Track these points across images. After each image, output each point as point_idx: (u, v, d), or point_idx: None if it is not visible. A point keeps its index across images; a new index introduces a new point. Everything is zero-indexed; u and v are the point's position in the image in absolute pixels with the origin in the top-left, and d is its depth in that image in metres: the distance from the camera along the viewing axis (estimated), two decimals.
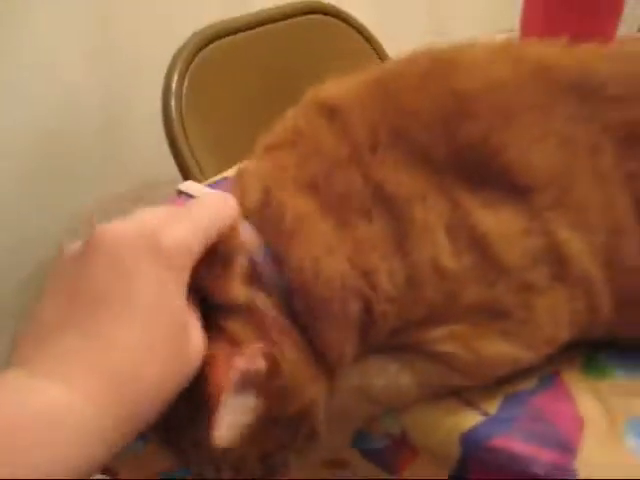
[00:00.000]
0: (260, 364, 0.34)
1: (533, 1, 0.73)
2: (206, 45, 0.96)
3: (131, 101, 1.13)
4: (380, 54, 1.16)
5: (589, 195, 0.39)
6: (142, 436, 0.56)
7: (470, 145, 0.39)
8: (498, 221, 0.38)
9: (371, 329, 0.38)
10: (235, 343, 0.34)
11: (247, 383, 0.33)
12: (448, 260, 0.37)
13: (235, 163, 0.93)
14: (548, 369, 0.42)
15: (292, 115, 0.46)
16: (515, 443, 0.38)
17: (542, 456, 0.37)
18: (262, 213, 0.39)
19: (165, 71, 0.92)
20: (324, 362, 0.38)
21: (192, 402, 0.34)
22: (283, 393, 0.35)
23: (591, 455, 0.37)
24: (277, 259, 0.37)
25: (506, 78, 0.40)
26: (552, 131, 0.39)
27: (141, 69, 1.11)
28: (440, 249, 0.37)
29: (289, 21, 1.07)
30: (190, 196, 0.64)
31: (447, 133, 0.39)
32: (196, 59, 0.94)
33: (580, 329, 0.40)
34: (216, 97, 0.97)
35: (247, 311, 0.35)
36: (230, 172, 0.68)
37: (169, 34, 0.98)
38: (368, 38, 1.16)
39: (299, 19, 1.09)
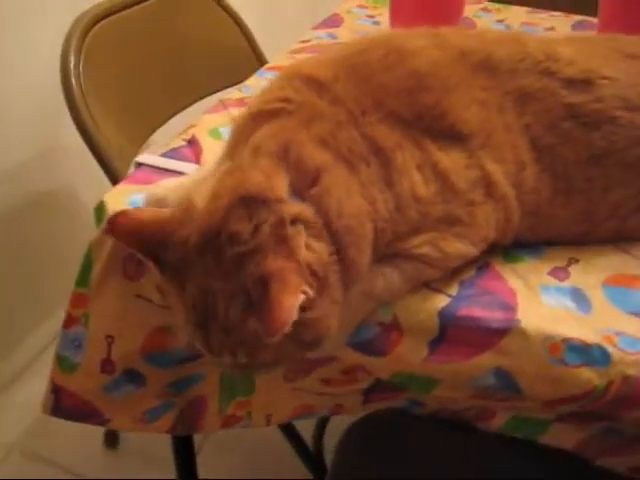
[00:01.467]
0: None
1: None
2: (94, 24, 1.03)
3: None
4: (241, 26, 1.30)
5: (502, 139, 0.58)
6: (134, 379, 0.68)
7: (427, 108, 0.56)
8: (450, 159, 0.56)
9: (376, 243, 0.54)
10: (297, 265, 0.48)
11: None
12: (421, 189, 0.54)
13: (137, 131, 1.03)
14: (482, 260, 0.61)
15: (278, 86, 0.60)
16: (475, 310, 0.56)
17: (495, 315, 0.56)
18: (287, 167, 0.52)
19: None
20: (347, 277, 0.53)
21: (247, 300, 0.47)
22: (310, 323, 0.49)
23: (524, 309, 0.56)
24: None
25: (442, 61, 0.58)
26: (474, 98, 0.58)
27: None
28: (415, 182, 0.54)
29: None
30: (150, 166, 0.74)
31: (411, 101, 0.56)
32: (87, 38, 1.01)
33: (501, 232, 0.60)
34: (110, 71, 1.05)
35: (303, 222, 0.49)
36: (176, 142, 0.78)
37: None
38: (232, 14, 1.28)
39: None
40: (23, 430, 1.37)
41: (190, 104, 1.17)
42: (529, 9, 1.33)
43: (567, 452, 0.64)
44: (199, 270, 0.50)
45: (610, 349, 0.54)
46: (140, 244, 0.52)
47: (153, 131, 1.10)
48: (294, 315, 0.45)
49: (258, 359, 0.51)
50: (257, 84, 0.92)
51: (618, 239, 0.65)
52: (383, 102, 0.55)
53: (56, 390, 0.72)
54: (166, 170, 0.71)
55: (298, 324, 0.47)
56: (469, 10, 1.28)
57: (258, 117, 0.58)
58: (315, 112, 0.55)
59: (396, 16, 0.94)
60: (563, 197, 0.61)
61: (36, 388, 0.88)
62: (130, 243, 0.53)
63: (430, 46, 0.60)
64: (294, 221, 0.49)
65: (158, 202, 0.63)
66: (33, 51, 1.30)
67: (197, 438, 0.90)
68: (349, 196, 0.51)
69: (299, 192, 0.51)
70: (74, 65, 0.97)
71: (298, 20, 1.40)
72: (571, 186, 0.61)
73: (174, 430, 0.76)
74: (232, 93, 0.90)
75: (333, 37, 1.11)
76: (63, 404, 0.72)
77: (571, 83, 0.61)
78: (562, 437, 0.64)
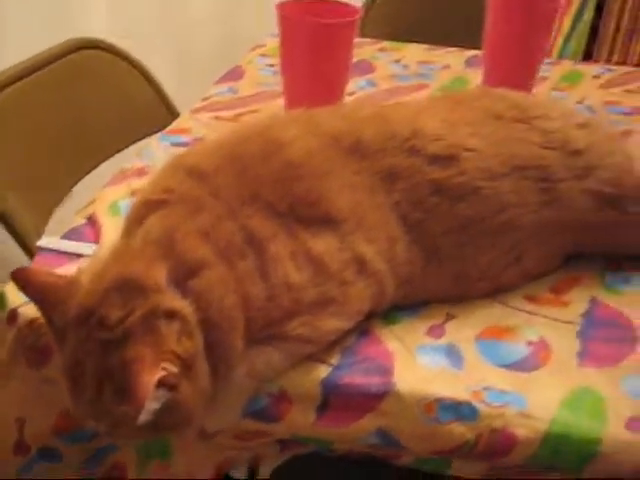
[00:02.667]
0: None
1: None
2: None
3: None
4: (148, 78, 1.34)
5: (373, 220, 0.64)
6: (50, 456, 0.70)
7: (300, 198, 0.62)
8: (324, 243, 0.62)
9: (248, 331, 0.59)
10: (160, 350, 0.53)
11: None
12: (293, 276, 0.60)
13: (43, 203, 1.06)
14: (362, 327, 0.67)
15: (163, 176, 0.65)
16: (355, 378, 0.62)
17: (373, 380, 0.62)
18: (168, 257, 0.57)
19: None
20: (220, 364, 0.57)
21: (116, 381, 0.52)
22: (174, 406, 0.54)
23: (400, 371, 0.63)
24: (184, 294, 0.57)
25: (315, 149, 0.64)
26: (345, 182, 0.64)
27: None
28: (287, 270, 0.60)
29: (65, 58, 1.20)
30: (52, 250, 0.77)
31: (285, 191, 0.61)
32: None
33: (375, 303, 0.66)
34: (14, 140, 1.08)
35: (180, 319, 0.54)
36: (77, 221, 0.82)
37: None
38: (137, 66, 1.32)
39: (72, 56, 1.22)
40: None
41: (96, 165, 1.21)
42: (426, 46, 1.41)
43: None
44: (74, 342, 0.55)
45: (478, 405, 0.60)
46: (38, 299, 0.58)
47: (64, 195, 1.14)
48: (152, 391, 0.50)
49: (121, 431, 0.56)
50: (157, 149, 0.97)
51: (494, 294, 0.73)
52: (260, 193, 0.61)
53: None
54: (68, 253, 0.75)
55: (163, 407, 0.52)
56: (367, 52, 1.36)
57: (147, 205, 0.63)
58: (197, 204, 0.60)
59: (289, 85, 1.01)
60: (435, 265, 0.68)
61: None
62: (31, 295, 0.58)
63: (303, 134, 0.66)
64: (170, 315, 0.55)
65: None
66: None
67: None
68: (225, 292, 0.57)
69: (178, 282, 0.56)
70: None
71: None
72: (441, 255, 0.68)
73: None
74: (132, 162, 0.94)
75: (234, 92, 1.16)
76: None
77: (436, 159, 0.68)
78: (468, 469, 0.70)
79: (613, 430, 0.59)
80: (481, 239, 0.69)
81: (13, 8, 1.49)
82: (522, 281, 0.74)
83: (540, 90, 1.23)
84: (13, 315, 0.68)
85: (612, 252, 0.78)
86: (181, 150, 0.73)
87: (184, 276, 0.57)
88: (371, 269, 0.63)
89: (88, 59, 1.24)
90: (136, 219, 0.63)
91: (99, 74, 1.26)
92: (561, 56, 2.08)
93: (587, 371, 0.64)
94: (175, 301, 0.55)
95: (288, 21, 0.93)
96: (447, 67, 1.31)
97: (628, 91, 1.26)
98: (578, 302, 0.73)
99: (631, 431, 0.59)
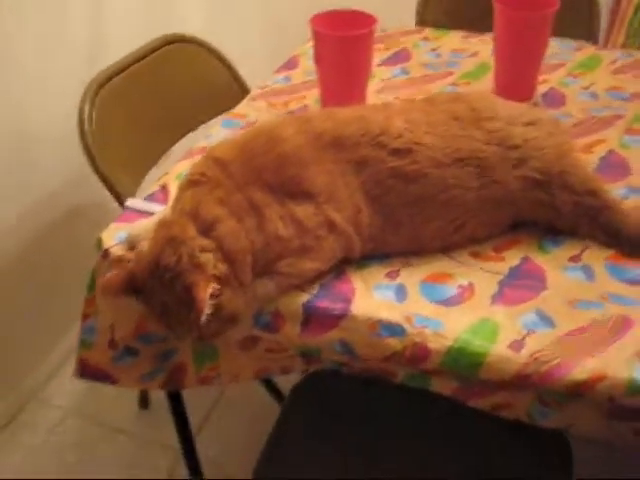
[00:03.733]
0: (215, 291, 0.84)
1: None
2: (105, 83, 1.40)
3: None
4: (225, 63, 1.65)
5: (342, 194, 0.93)
6: (132, 352, 1.06)
7: (288, 179, 0.91)
8: (303, 210, 0.91)
9: (254, 266, 0.90)
10: (206, 275, 0.85)
11: (210, 298, 0.84)
12: (282, 231, 0.90)
13: (140, 174, 1.40)
14: (340, 269, 0.96)
15: (199, 164, 0.96)
16: (326, 303, 0.92)
17: (338, 305, 0.91)
18: (195, 220, 0.89)
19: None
20: (242, 285, 0.89)
21: (184, 302, 0.84)
22: (223, 304, 0.86)
23: (357, 301, 0.92)
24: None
25: (303, 144, 0.93)
26: (324, 169, 0.92)
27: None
28: (278, 226, 0.90)
29: (159, 52, 1.53)
30: (137, 211, 1.12)
31: (277, 174, 0.91)
32: (98, 95, 1.38)
33: (347, 253, 0.95)
34: (118, 121, 1.43)
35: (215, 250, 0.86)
36: (154, 187, 1.16)
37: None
38: (215, 54, 1.64)
39: (165, 49, 1.55)
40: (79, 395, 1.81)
41: (186, 134, 1.55)
42: (464, 33, 1.64)
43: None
44: (154, 291, 0.88)
45: (406, 326, 0.89)
46: (120, 292, 0.90)
47: (155, 163, 1.48)
48: (207, 300, 0.81)
49: (205, 332, 0.87)
50: (220, 133, 1.28)
51: (445, 251, 1.00)
52: (260, 175, 0.91)
53: (81, 361, 1.11)
54: (144, 212, 1.09)
55: (216, 307, 0.84)
56: (410, 40, 1.61)
57: (188, 183, 0.95)
58: (217, 183, 0.91)
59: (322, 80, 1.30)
60: (392, 229, 0.96)
61: None
62: (116, 294, 0.91)
63: (295, 133, 0.95)
64: (203, 250, 0.86)
65: (134, 238, 1.01)
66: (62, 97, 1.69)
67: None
68: (237, 238, 0.88)
69: (205, 232, 0.88)
70: (87, 117, 1.34)
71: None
72: (397, 221, 0.96)
73: (165, 387, 1.14)
74: (200, 141, 1.26)
75: (288, 80, 1.46)
76: (86, 370, 1.11)
77: (396, 152, 0.95)
78: (442, 386, 0.97)
79: (498, 348, 0.86)
80: (428, 211, 0.96)
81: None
82: (467, 242, 1.00)
83: (555, 77, 1.45)
84: (106, 253, 1.02)
85: (545, 223, 1.03)
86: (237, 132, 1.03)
87: (206, 230, 0.88)
88: (339, 229, 0.92)
89: (176, 51, 1.57)
90: (181, 192, 0.96)
91: (186, 63, 1.58)
92: (628, 28, 2.21)
93: (494, 308, 0.91)
94: (205, 241, 0.87)
95: (316, 33, 1.22)
96: (475, 54, 1.54)
97: (636, 76, 1.45)
98: (512, 258, 0.99)
99: (512, 350, 0.85)
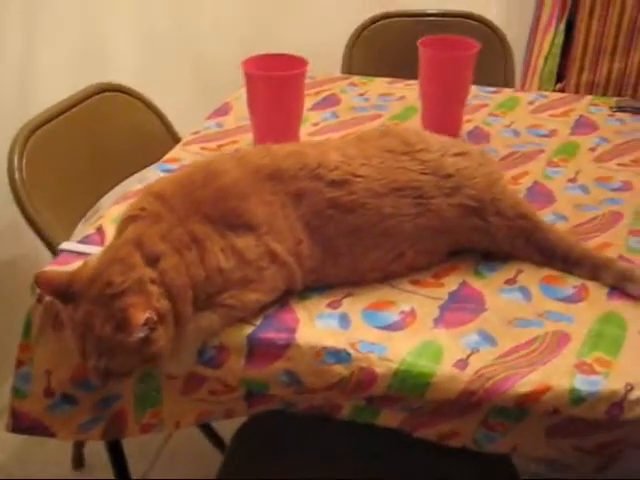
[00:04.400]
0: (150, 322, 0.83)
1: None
2: (35, 130, 1.39)
3: None
4: (156, 112, 1.66)
5: (282, 226, 0.94)
6: (69, 401, 1.03)
7: (228, 211, 0.92)
8: (244, 242, 0.92)
9: (195, 300, 0.89)
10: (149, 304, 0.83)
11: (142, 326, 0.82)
12: (223, 263, 0.90)
13: (72, 216, 1.38)
14: (283, 301, 0.97)
15: (139, 199, 0.96)
16: (270, 334, 0.92)
17: (282, 336, 0.91)
18: (141, 246, 0.88)
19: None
20: (179, 321, 0.88)
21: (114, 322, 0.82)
22: (151, 341, 0.84)
23: (301, 330, 0.92)
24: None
25: (241, 178, 0.94)
26: (263, 200, 0.94)
27: None
28: (219, 259, 0.90)
29: (89, 100, 1.53)
30: (72, 252, 1.09)
31: (217, 207, 0.92)
32: (29, 142, 1.37)
33: (288, 285, 0.96)
34: (49, 169, 1.41)
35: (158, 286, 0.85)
36: (90, 230, 1.14)
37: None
38: (147, 103, 1.65)
39: (96, 98, 1.55)
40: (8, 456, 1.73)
41: (118, 183, 1.54)
42: (389, 80, 1.70)
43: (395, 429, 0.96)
44: (86, 301, 0.85)
45: (352, 352, 0.89)
46: (53, 289, 0.89)
47: (88, 210, 1.46)
48: (141, 321, 0.80)
49: (115, 364, 0.85)
50: (156, 175, 1.28)
51: (385, 280, 1.02)
52: (200, 209, 0.91)
53: (14, 413, 1.06)
54: (80, 253, 1.07)
55: (144, 342, 0.83)
56: (338, 86, 1.66)
57: (128, 219, 0.94)
58: (158, 217, 0.91)
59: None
60: (332, 260, 0.98)
61: None
62: (47, 290, 0.90)
63: (234, 167, 0.96)
64: (152, 282, 0.85)
65: None
66: None
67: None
68: (179, 274, 0.87)
69: (150, 264, 0.87)
70: (17, 163, 1.31)
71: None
72: (337, 252, 0.97)
73: (104, 437, 1.10)
74: (134, 185, 1.26)
75: (220, 126, 1.47)
76: (20, 422, 1.06)
77: (333, 183, 0.97)
78: (389, 419, 0.97)
79: (444, 368, 0.87)
80: (367, 241, 0.98)
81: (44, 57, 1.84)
82: (407, 271, 1.02)
83: (479, 116, 1.52)
84: (40, 297, 1.00)
85: (482, 249, 1.06)
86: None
87: (151, 262, 0.87)
88: (281, 260, 0.93)
89: (108, 100, 1.57)
90: (121, 228, 0.95)
91: (116, 113, 1.59)
92: (541, 75, 2.35)
93: (437, 331, 0.93)
94: (153, 274, 0.86)
95: (248, 75, 1.24)
96: (402, 98, 1.60)
97: (553, 115, 1.53)
98: (451, 284, 1.02)
99: (457, 369, 0.87)
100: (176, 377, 0.99)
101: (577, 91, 2.23)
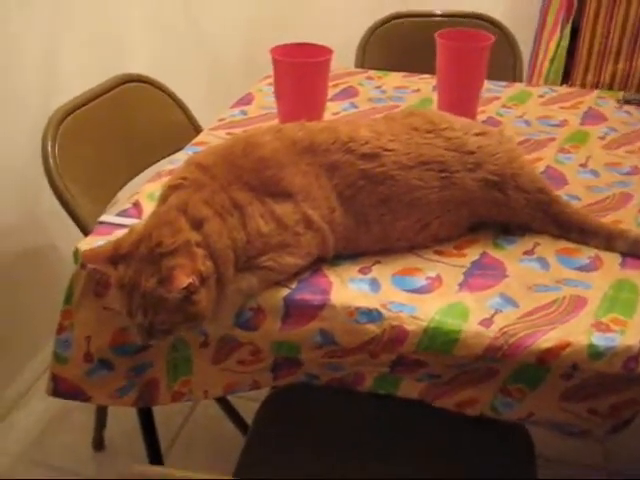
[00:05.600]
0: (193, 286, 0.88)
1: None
2: (64, 118, 1.45)
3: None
4: (179, 104, 1.73)
5: (318, 195, 1.00)
6: (106, 366, 1.09)
7: (267, 179, 0.98)
8: (282, 208, 0.98)
9: (236, 262, 0.95)
10: (194, 265, 0.89)
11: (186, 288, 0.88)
12: (263, 228, 0.96)
13: (101, 200, 1.44)
14: (316, 266, 1.03)
15: (181, 169, 1.02)
16: (306, 295, 0.98)
17: (316, 297, 0.97)
18: (185, 212, 0.94)
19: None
20: (220, 281, 0.94)
21: (160, 279, 0.88)
22: (194, 302, 0.90)
23: (335, 293, 0.98)
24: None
25: (279, 149, 1.01)
26: (299, 170, 1.00)
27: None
28: (259, 223, 0.96)
29: (115, 90, 1.60)
30: (111, 224, 1.16)
31: (257, 175, 0.98)
32: (60, 128, 1.43)
33: (321, 250, 1.02)
34: (79, 153, 1.47)
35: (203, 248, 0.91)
36: (127, 205, 1.20)
37: None
38: (170, 95, 1.72)
39: (121, 87, 1.62)
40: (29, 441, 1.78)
41: (143, 170, 1.60)
42: (404, 74, 1.77)
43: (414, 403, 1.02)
44: (135, 261, 0.91)
45: (383, 311, 0.95)
46: (100, 258, 0.94)
47: (114, 194, 1.52)
48: (184, 284, 0.86)
49: (158, 320, 0.91)
50: (184, 157, 1.34)
51: (412, 250, 1.08)
52: (242, 176, 0.98)
53: (54, 378, 1.12)
54: (118, 225, 1.13)
55: (186, 301, 0.88)
56: (355, 80, 1.73)
57: (170, 188, 1.01)
58: (201, 185, 0.97)
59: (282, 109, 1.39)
60: (364, 228, 1.04)
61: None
62: (95, 260, 0.95)
63: (272, 139, 1.02)
64: (198, 245, 0.91)
65: None
66: (16, 136, 1.74)
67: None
68: (221, 237, 0.93)
69: (195, 229, 0.93)
70: (51, 148, 1.38)
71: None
72: (368, 220, 1.04)
73: (137, 403, 1.16)
74: (166, 165, 1.32)
75: (244, 114, 1.54)
76: (59, 387, 1.12)
77: (364, 156, 1.04)
78: (409, 389, 1.04)
79: (469, 326, 0.93)
80: (396, 211, 1.05)
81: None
82: (432, 242, 1.09)
83: (492, 107, 1.59)
84: (84, 263, 1.06)
85: (502, 222, 1.13)
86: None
87: (195, 227, 0.93)
88: (315, 226, 0.99)
89: (133, 90, 1.64)
90: (163, 197, 1.01)
91: (140, 102, 1.65)
92: (547, 76, 2.42)
93: (462, 294, 0.99)
94: (198, 237, 0.92)
95: (276, 61, 1.31)
96: (417, 91, 1.67)
97: (562, 107, 1.60)
98: (472, 254, 1.08)
99: (483, 327, 0.93)
100: (210, 341, 1.04)
101: None
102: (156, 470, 0.67)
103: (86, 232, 1.31)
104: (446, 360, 0.96)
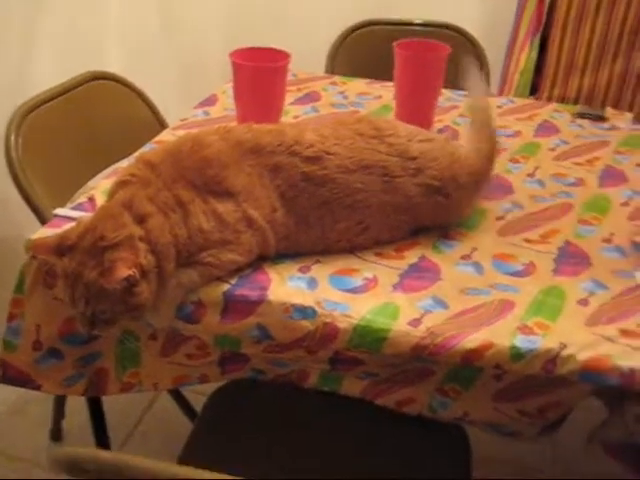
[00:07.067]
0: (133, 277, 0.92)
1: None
2: (29, 112, 1.49)
3: None
4: (146, 102, 1.77)
5: (260, 195, 1.04)
6: (55, 355, 1.13)
7: (210, 178, 1.03)
8: (224, 207, 1.02)
9: (177, 257, 0.99)
10: (135, 259, 0.93)
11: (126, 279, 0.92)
12: (204, 225, 1.00)
13: (63, 194, 1.48)
14: (256, 265, 1.07)
15: (130, 166, 1.06)
16: (244, 291, 1.02)
17: (255, 293, 1.02)
18: (130, 207, 0.98)
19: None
20: (161, 276, 0.98)
21: (102, 272, 0.92)
22: (134, 293, 0.94)
23: (273, 289, 1.02)
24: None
25: (224, 150, 1.05)
26: (243, 171, 1.04)
27: None
28: (200, 221, 1.00)
29: (83, 86, 1.64)
30: (64, 217, 1.19)
31: (201, 175, 1.02)
32: (25, 121, 1.47)
33: (262, 248, 1.06)
34: (43, 147, 1.51)
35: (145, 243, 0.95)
36: (81, 199, 1.24)
37: None
38: (138, 92, 1.75)
39: (89, 84, 1.65)
40: None
41: (108, 166, 1.63)
42: (368, 80, 1.82)
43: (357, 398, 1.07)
44: (78, 252, 0.95)
45: (317, 309, 1.00)
46: (47, 247, 0.97)
47: (77, 189, 1.56)
48: (124, 275, 0.90)
49: (100, 310, 0.95)
50: None
51: (352, 251, 1.13)
52: (186, 175, 1.02)
53: (3, 364, 1.15)
54: (72, 218, 1.17)
55: (127, 292, 0.93)
56: (319, 85, 1.78)
57: (118, 184, 1.05)
58: (147, 181, 1.01)
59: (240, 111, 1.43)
60: (304, 228, 1.08)
61: None
62: (42, 250, 0.99)
63: (218, 139, 1.07)
64: (141, 239, 0.95)
65: None
66: None
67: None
68: (163, 232, 0.97)
69: (138, 223, 0.97)
70: (14, 141, 1.42)
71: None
72: (308, 221, 1.08)
73: (86, 393, 1.20)
74: (124, 163, 1.36)
75: (207, 114, 1.58)
76: (7, 374, 1.16)
77: (308, 159, 1.08)
78: (351, 387, 1.08)
79: (399, 325, 0.98)
80: (336, 212, 1.09)
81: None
82: (372, 244, 1.13)
83: (449, 117, 1.64)
84: (34, 254, 1.09)
85: (442, 224, 1.18)
86: None
87: (139, 221, 0.97)
88: (256, 225, 1.04)
89: (100, 87, 1.68)
90: (112, 192, 1.05)
91: (108, 99, 1.69)
92: (517, 89, 2.48)
93: (395, 295, 1.03)
94: (141, 231, 0.96)
95: (234, 64, 1.36)
96: (379, 97, 1.72)
97: (518, 119, 1.66)
98: (411, 257, 1.12)
99: (411, 326, 0.98)
100: (157, 335, 1.08)
101: None
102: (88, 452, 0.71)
103: (43, 222, 1.34)
104: (379, 359, 1.00)
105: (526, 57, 2.45)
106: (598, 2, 2.26)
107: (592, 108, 1.74)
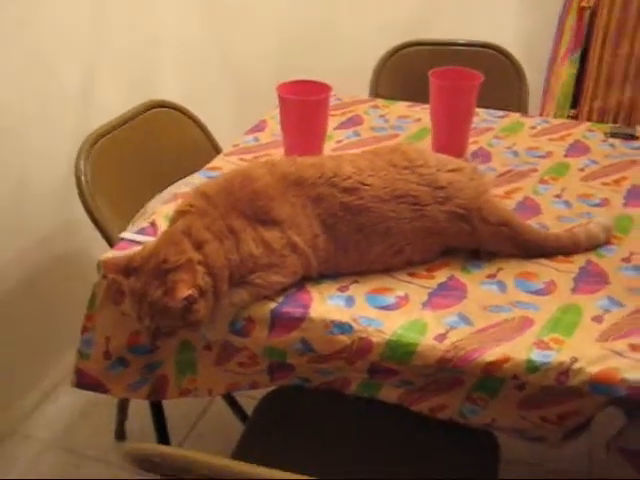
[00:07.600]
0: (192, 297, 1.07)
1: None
2: (96, 142, 1.66)
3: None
4: (201, 127, 1.93)
5: (303, 223, 1.18)
6: (123, 363, 1.29)
7: (260, 209, 1.17)
8: (271, 234, 1.16)
9: (230, 279, 1.14)
10: (194, 281, 1.08)
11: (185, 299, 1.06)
12: (253, 250, 1.14)
13: (126, 214, 1.65)
14: (300, 285, 1.21)
15: (189, 197, 1.21)
16: (288, 309, 1.16)
17: (298, 310, 1.15)
18: (189, 235, 1.13)
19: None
20: (216, 295, 1.13)
21: (165, 291, 1.07)
22: (192, 310, 1.09)
23: (314, 307, 1.16)
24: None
25: (271, 183, 1.19)
26: (288, 201, 1.18)
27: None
28: (251, 247, 1.14)
29: (144, 115, 1.80)
30: (130, 241, 1.35)
31: (250, 205, 1.17)
32: (93, 149, 1.64)
33: (306, 271, 1.20)
34: (109, 174, 1.68)
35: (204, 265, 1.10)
36: (144, 224, 1.40)
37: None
38: (193, 119, 1.92)
39: (150, 112, 1.82)
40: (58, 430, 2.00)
41: (166, 187, 1.80)
42: (409, 104, 1.94)
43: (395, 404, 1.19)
44: (144, 274, 1.10)
45: (354, 324, 1.13)
46: (116, 268, 1.13)
47: (138, 210, 1.72)
48: (185, 295, 1.04)
49: (162, 325, 1.10)
50: (199, 180, 1.54)
51: (387, 272, 1.26)
52: (237, 206, 1.16)
53: (78, 371, 1.32)
54: (136, 242, 1.33)
55: (187, 309, 1.07)
56: (362, 108, 1.91)
57: (178, 213, 1.20)
58: (204, 212, 1.16)
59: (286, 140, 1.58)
60: (342, 252, 1.21)
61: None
62: (112, 269, 1.15)
63: (266, 173, 1.21)
64: (199, 263, 1.10)
65: None
66: (55, 154, 1.96)
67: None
68: (218, 257, 1.12)
69: (196, 249, 1.12)
70: (83, 166, 1.59)
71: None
72: (346, 246, 1.21)
73: (149, 397, 1.35)
74: (181, 187, 1.52)
75: (257, 140, 1.73)
76: (82, 380, 1.32)
77: (345, 190, 1.21)
78: (389, 394, 1.20)
79: (426, 340, 1.10)
80: (372, 238, 1.22)
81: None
82: (405, 265, 1.26)
83: (484, 138, 1.75)
84: (105, 274, 1.25)
85: (471, 248, 1.30)
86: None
87: (197, 248, 1.12)
88: (300, 249, 1.18)
89: (159, 115, 1.84)
90: (173, 220, 1.21)
91: (167, 126, 1.86)
92: (558, 102, 2.56)
93: (424, 312, 1.16)
94: (199, 256, 1.10)
95: (280, 98, 1.50)
96: (418, 120, 1.84)
97: (551, 139, 1.76)
98: (440, 277, 1.25)
99: (437, 341, 1.10)
100: (212, 345, 1.23)
101: (589, 117, 2.43)
102: (152, 447, 0.86)
103: (110, 242, 1.51)
104: (412, 369, 1.13)
105: (567, 71, 2.53)
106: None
107: (625, 127, 1.82)
